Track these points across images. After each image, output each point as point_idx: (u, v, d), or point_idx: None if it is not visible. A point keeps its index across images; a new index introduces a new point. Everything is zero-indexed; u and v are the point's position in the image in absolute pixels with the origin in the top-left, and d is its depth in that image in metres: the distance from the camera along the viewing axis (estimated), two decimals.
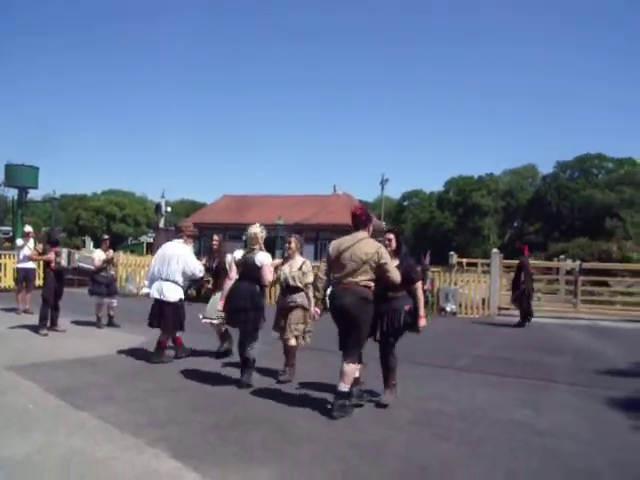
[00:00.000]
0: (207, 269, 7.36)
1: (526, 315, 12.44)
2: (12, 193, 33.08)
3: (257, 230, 5.80)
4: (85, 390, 5.32)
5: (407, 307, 5.12)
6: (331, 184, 41.84)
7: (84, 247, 46.53)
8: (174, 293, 6.79)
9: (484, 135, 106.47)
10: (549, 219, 58.79)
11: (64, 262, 8.76)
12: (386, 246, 5.55)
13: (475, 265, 19.34)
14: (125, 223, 60.34)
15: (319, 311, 5.36)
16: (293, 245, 6.23)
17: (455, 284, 15.00)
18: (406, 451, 3.99)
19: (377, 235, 5.36)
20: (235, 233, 28.99)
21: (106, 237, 10.67)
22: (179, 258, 6.82)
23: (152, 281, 6.94)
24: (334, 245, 4.92)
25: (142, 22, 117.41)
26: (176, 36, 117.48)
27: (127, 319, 9.83)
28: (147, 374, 6.12)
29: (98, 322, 9.53)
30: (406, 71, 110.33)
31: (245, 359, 5.67)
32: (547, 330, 11.88)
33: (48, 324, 8.63)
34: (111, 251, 10.26)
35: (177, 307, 6.81)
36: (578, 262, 16.17)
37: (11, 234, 30.57)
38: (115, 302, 9.94)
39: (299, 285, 6.03)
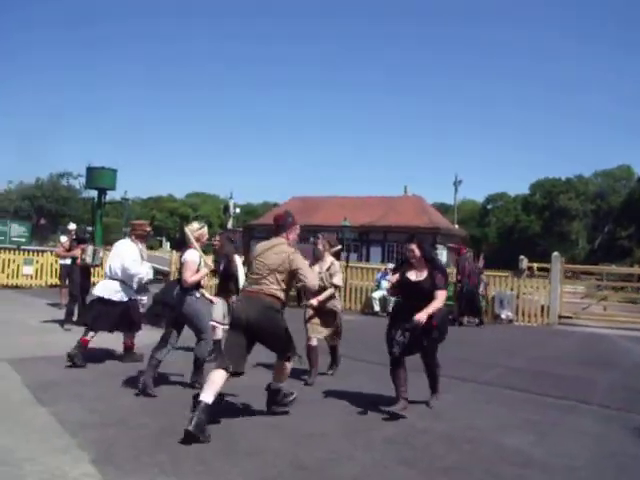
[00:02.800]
0: (214, 273, 7.12)
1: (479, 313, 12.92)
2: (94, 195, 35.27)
3: (193, 227, 5.55)
4: (63, 386, 5.24)
5: (435, 322, 4.78)
6: (404, 186, 40.27)
7: (161, 247, 49.19)
8: (120, 293, 6.37)
9: (574, 135, 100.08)
10: None
11: (89, 259, 8.90)
12: (410, 258, 5.04)
13: (547, 270, 17.96)
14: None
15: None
16: (320, 245, 6.27)
17: (512, 289, 13.92)
18: (354, 477, 3.47)
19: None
20: (302, 234, 28.78)
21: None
22: (119, 256, 6.38)
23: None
24: (255, 248, 4.69)
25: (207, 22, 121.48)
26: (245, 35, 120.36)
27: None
28: (131, 373, 5.92)
29: None
30: (489, 61, 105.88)
31: (195, 359, 5.42)
32: (607, 341, 10.70)
33: (74, 319, 8.80)
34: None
35: (126, 307, 6.43)
36: None
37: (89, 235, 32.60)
38: (145, 299, 9.99)
39: (327, 285, 6.03)
